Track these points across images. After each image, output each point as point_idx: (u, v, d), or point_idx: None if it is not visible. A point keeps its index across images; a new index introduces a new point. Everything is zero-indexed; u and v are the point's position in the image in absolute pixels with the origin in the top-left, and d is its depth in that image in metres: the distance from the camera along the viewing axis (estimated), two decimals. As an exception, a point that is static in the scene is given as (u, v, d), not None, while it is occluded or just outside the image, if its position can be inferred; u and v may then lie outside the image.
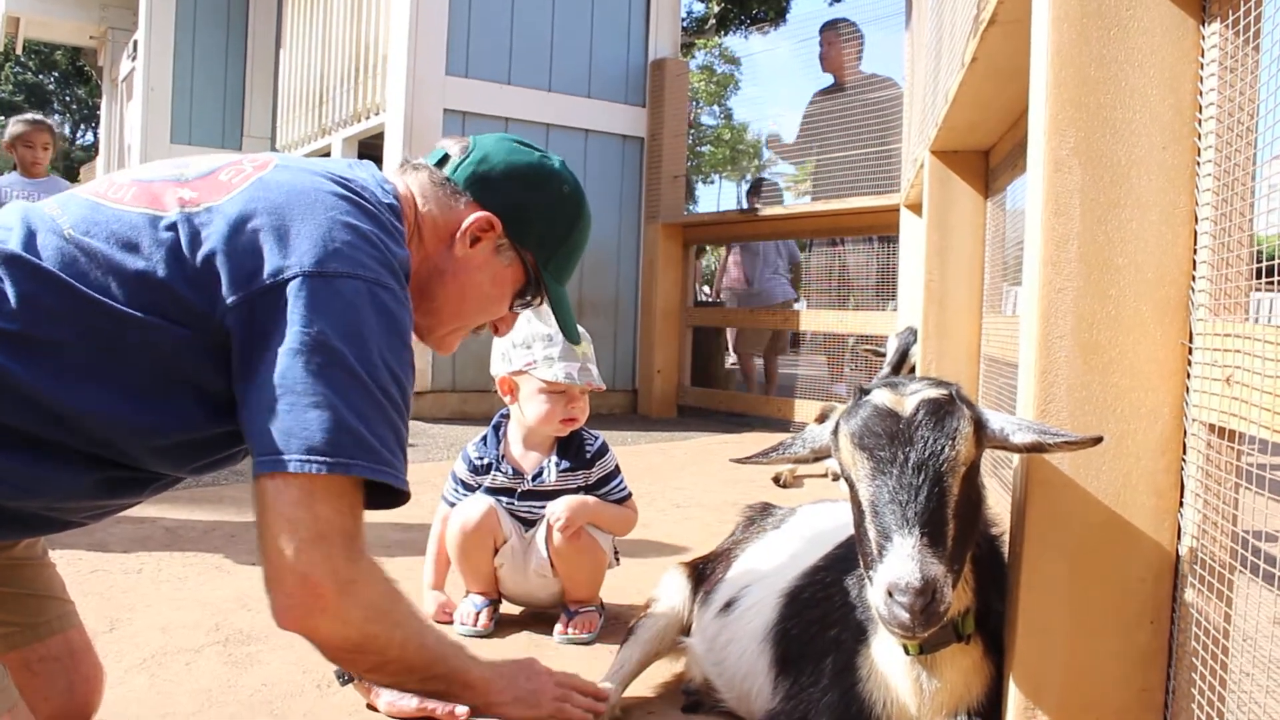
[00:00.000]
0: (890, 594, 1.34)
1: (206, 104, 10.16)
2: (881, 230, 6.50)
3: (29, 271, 1.34)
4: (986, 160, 3.67)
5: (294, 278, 1.36)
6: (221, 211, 1.43)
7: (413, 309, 1.66)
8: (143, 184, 1.50)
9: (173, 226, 1.41)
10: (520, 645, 2.53)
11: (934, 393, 1.49)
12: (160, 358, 1.38)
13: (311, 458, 1.31)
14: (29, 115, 6.58)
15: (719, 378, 8.38)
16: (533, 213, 1.70)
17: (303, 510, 1.32)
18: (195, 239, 1.40)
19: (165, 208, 1.44)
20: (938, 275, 3.79)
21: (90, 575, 2.91)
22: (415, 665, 1.50)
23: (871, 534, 1.41)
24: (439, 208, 1.67)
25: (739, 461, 1.73)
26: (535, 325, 2.56)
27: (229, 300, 1.37)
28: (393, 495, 1.42)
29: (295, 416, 1.32)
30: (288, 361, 1.33)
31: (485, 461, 2.67)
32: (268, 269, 1.37)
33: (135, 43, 10.22)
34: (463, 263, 1.66)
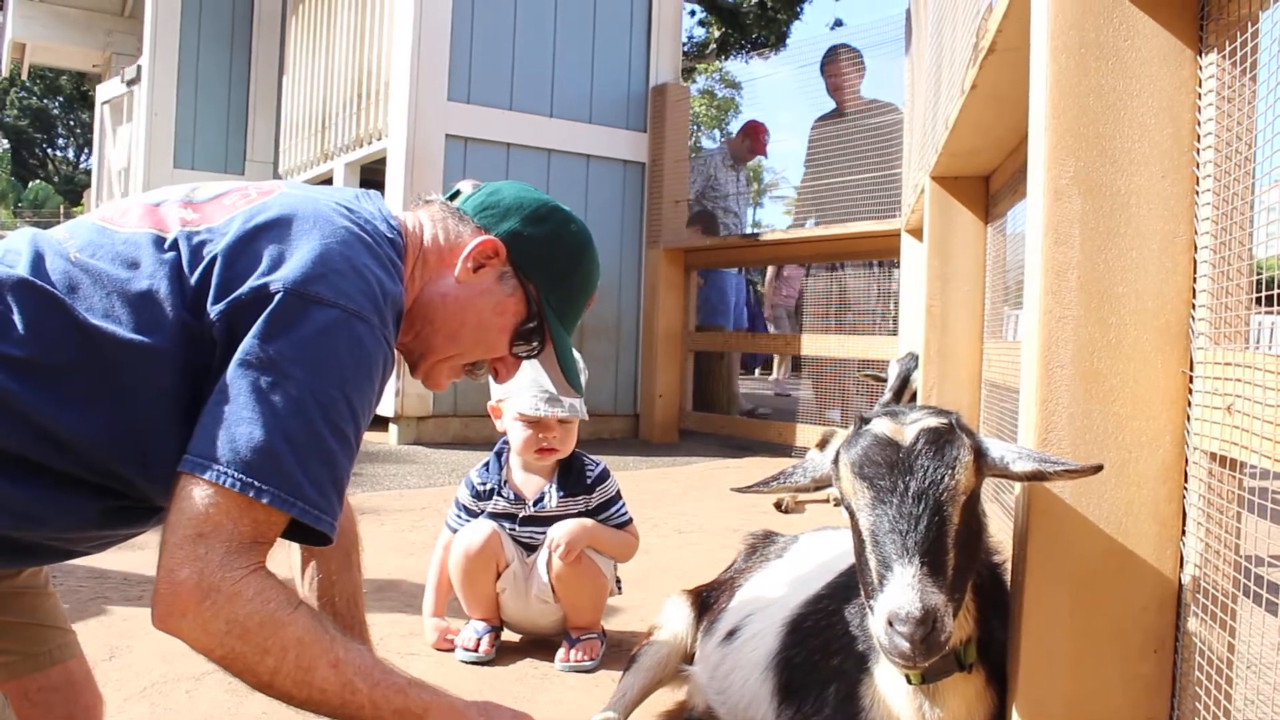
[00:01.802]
0: (891, 623, 1.34)
1: (209, 129, 10.20)
2: (883, 255, 6.51)
3: (37, 296, 1.35)
4: (987, 186, 3.68)
5: (274, 292, 1.37)
6: (222, 232, 1.44)
7: (409, 334, 1.67)
8: (148, 207, 1.52)
9: (174, 246, 1.43)
10: (521, 672, 2.52)
11: (934, 421, 1.49)
12: (161, 386, 1.39)
13: (228, 471, 1.31)
14: None
15: (720, 402, 8.37)
16: (538, 243, 1.71)
17: (196, 511, 1.31)
18: (195, 258, 1.42)
19: (168, 228, 1.46)
20: (939, 300, 3.80)
21: (90, 603, 2.91)
22: (301, 699, 1.41)
23: (872, 563, 1.41)
24: (445, 232, 1.68)
25: (741, 490, 1.73)
26: None
27: (214, 312, 1.39)
28: (316, 530, 1.38)
29: (227, 428, 1.32)
30: (237, 372, 1.34)
31: (488, 487, 2.69)
32: (252, 281, 1.38)
33: (138, 67, 10.25)
34: (464, 287, 1.66)
